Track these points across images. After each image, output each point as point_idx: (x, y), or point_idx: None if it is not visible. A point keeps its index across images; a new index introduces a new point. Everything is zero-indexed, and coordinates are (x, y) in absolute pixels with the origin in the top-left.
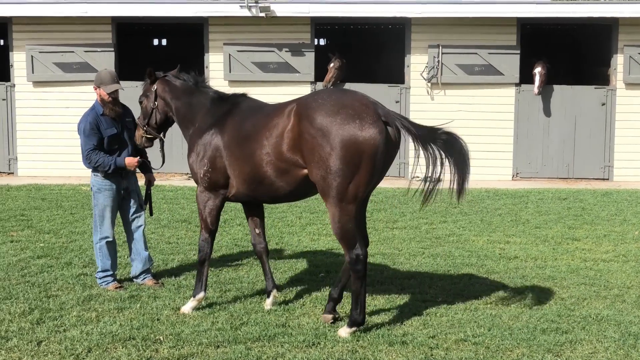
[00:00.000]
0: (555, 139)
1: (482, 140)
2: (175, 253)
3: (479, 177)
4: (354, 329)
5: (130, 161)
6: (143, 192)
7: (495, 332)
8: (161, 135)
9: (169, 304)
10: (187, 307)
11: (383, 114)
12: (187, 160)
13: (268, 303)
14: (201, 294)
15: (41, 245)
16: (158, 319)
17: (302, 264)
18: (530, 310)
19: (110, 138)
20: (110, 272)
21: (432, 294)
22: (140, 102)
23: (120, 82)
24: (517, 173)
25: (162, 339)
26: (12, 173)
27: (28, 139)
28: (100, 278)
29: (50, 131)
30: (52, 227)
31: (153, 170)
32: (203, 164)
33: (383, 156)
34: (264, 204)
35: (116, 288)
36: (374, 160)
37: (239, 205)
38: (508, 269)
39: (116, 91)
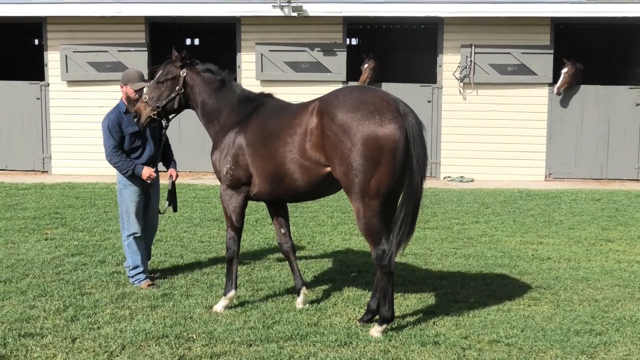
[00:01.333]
0: (589, 139)
1: (515, 141)
2: (208, 252)
3: (511, 177)
4: (384, 326)
5: (147, 173)
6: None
7: (529, 333)
8: (165, 122)
9: (202, 302)
10: (219, 306)
11: (403, 112)
12: (210, 157)
13: (299, 302)
14: (232, 292)
15: (75, 243)
16: (191, 317)
17: (333, 264)
18: (563, 312)
19: (132, 136)
20: (142, 269)
21: (465, 294)
22: (161, 82)
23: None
24: (550, 173)
25: (194, 337)
26: (47, 171)
27: (62, 138)
28: (132, 276)
29: (84, 130)
30: (85, 225)
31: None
32: (226, 162)
33: (404, 152)
34: (287, 204)
35: (149, 286)
36: (394, 156)
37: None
38: (541, 270)
39: (142, 89)
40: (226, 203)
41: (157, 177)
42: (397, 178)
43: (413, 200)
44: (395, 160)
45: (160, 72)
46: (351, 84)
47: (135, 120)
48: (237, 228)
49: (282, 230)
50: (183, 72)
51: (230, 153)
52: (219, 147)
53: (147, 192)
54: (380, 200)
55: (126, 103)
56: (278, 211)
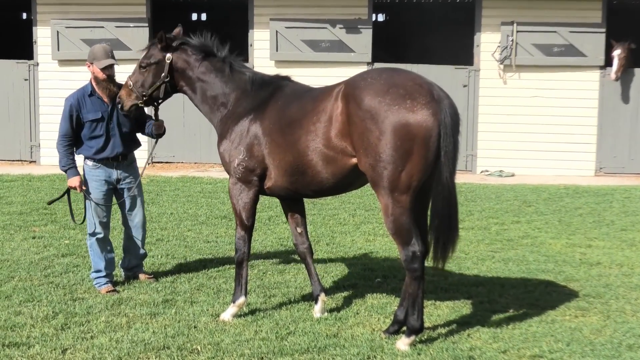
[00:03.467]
0: None
1: (562, 131)
2: (215, 253)
3: (557, 172)
4: (412, 338)
5: (73, 184)
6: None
7: (575, 347)
8: (156, 113)
9: (208, 309)
10: (227, 314)
11: (437, 97)
12: (217, 148)
13: (317, 310)
14: (241, 299)
15: (66, 242)
16: (195, 327)
17: (355, 268)
18: (614, 324)
19: (92, 123)
20: (104, 273)
21: (503, 303)
22: (143, 67)
23: None
24: (600, 168)
25: (199, 349)
26: (35, 162)
27: (52, 124)
28: (94, 279)
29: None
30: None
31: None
32: (238, 152)
33: (438, 141)
34: (304, 200)
35: (108, 291)
36: (427, 146)
37: None
38: (590, 276)
39: (111, 67)
40: (236, 198)
41: (134, 167)
42: (431, 170)
43: (442, 197)
44: (429, 151)
45: (143, 55)
46: (376, 65)
47: (119, 107)
48: (247, 227)
49: (299, 230)
50: (168, 58)
51: (244, 143)
52: (228, 137)
53: (116, 187)
54: (411, 195)
55: (94, 84)
56: (293, 208)
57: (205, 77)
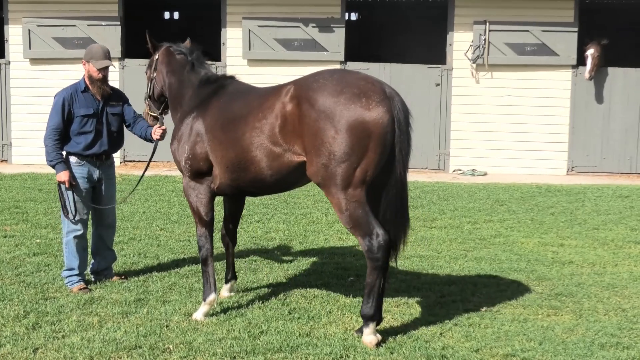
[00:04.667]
0: (617, 128)
1: (534, 130)
2: (187, 252)
3: (530, 170)
4: (371, 326)
5: (63, 178)
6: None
7: (547, 346)
8: (160, 114)
9: (180, 309)
10: (199, 313)
11: (389, 94)
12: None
13: (225, 289)
14: (212, 296)
15: (37, 241)
16: (167, 326)
17: (328, 267)
18: (587, 323)
19: (83, 118)
20: (77, 272)
21: (476, 302)
22: (146, 73)
23: (126, 59)
24: (572, 167)
25: (171, 348)
26: (6, 160)
27: (24, 123)
28: (65, 277)
29: (48, 114)
30: (49, 221)
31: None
32: (184, 151)
33: (392, 136)
34: (246, 198)
35: (80, 289)
36: (383, 142)
37: (257, 200)
38: (562, 275)
39: (106, 68)
40: (191, 197)
41: (113, 168)
42: (384, 165)
43: (395, 192)
44: (384, 147)
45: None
46: (349, 64)
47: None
48: (207, 222)
49: (230, 226)
50: (156, 56)
51: (188, 141)
52: (176, 135)
53: (98, 185)
54: (365, 188)
55: (87, 82)
56: (233, 207)
57: (171, 75)
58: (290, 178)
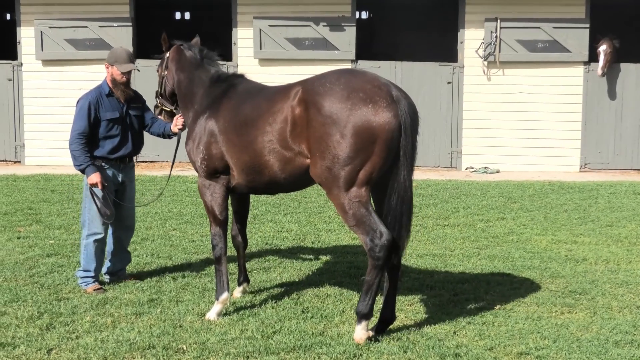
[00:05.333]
0: (630, 125)
1: (546, 127)
2: (200, 252)
3: (542, 168)
4: (363, 323)
5: (94, 180)
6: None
7: (562, 344)
8: (175, 108)
9: (193, 309)
10: (212, 313)
11: (396, 97)
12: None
13: (238, 291)
14: (224, 295)
15: (51, 242)
16: (181, 326)
17: (341, 266)
18: (601, 320)
19: (109, 122)
20: (92, 274)
21: (489, 300)
22: (157, 70)
23: (137, 60)
24: (585, 164)
25: (185, 348)
26: (19, 162)
27: (36, 124)
28: (80, 277)
29: (61, 115)
30: (63, 222)
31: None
32: (199, 151)
33: (397, 141)
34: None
35: (95, 290)
36: (388, 147)
37: (270, 199)
38: (576, 272)
39: (130, 72)
40: (205, 195)
41: (133, 170)
42: (387, 167)
43: (397, 196)
44: (389, 151)
45: None
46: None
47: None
48: (221, 221)
49: (239, 226)
50: (167, 54)
51: (203, 142)
52: (191, 135)
53: (122, 188)
54: (369, 188)
55: (110, 85)
56: (239, 205)
57: (180, 73)
58: (304, 178)
